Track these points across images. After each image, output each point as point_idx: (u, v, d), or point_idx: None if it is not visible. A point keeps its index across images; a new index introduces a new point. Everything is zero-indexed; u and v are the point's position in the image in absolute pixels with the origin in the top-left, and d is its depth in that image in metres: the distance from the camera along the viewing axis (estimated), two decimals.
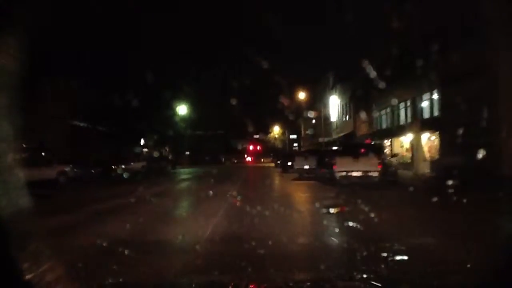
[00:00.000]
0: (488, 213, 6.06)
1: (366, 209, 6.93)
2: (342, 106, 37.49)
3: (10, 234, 1.39)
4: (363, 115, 30.05)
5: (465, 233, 5.09)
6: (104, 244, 4.85)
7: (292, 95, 45.36)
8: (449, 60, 16.76)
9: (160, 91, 36.88)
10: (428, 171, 18.87)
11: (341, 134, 35.76)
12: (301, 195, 11.47)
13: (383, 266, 3.59)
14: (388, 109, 25.63)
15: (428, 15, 18.23)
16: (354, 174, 12.21)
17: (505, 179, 10.03)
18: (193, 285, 2.24)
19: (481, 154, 11.29)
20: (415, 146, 21.02)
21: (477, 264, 3.29)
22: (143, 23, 36.10)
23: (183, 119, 47.75)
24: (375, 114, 28.07)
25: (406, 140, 23.13)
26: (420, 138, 21.26)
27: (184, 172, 31.78)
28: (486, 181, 9.49)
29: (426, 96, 20.35)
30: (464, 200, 6.42)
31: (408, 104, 22.51)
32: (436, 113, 19.18)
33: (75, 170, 18.73)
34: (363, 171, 12.06)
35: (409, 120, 22.42)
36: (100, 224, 7.12)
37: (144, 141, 44.94)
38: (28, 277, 1.36)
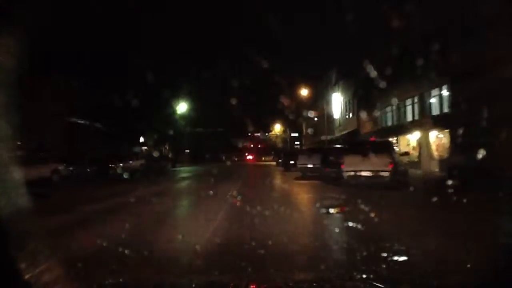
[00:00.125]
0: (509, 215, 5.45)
1: (383, 215, 6.21)
2: (345, 103, 36.73)
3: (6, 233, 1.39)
4: (367, 112, 29.32)
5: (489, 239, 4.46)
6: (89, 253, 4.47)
7: (293, 93, 44.83)
8: (460, 53, 16.04)
9: (159, 90, 36.66)
10: (437, 170, 18.11)
11: (344, 132, 35.02)
12: (305, 196, 10.71)
13: (383, 266, 3.54)
14: (394, 106, 24.87)
15: (438, 7, 17.49)
16: (364, 174, 11.41)
17: None
18: (193, 285, 2.24)
19: (494, 152, 10.64)
20: (423, 144, 20.28)
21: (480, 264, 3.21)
22: (143, 23, 35.75)
23: (183, 116, 47.17)
24: (380, 111, 27.30)
25: (413, 138, 22.38)
26: (428, 136, 20.52)
27: (184, 171, 31.07)
28: (501, 181, 8.94)
29: (435, 92, 19.59)
30: (482, 203, 6.25)
31: (416, 100, 21.74)
32: (445, 110, 18.42)
33: (69, 168, 18.04)
34: (373, 171, 11.27)
35: (416, 117, 21.66)
36: (88, 228, 6.45)
37: (144, 139, 44.36)
38: (27, 277, 1.37)
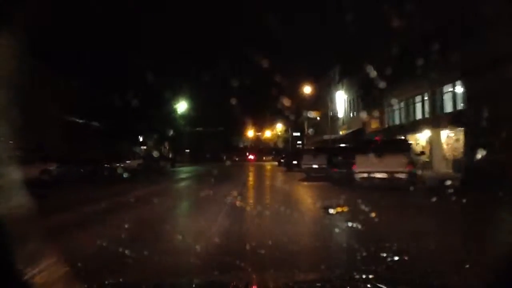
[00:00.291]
0: None
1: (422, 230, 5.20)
2: (349, 101, 35.70)
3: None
4: (372, 110, 28.29)
5: None
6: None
7: (295, 93, 43.91)
8: (474, 46, 15.03)
9: (159, 89, 35.96)
10: (450, 171, 17.11)
11: (349, 131, 33.98)
12: (311, 201, 9.59)
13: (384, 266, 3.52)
14: (402, 104, 23.80)
15: None
16: (378, 175, 10.36)
17: None
18: (193, 285, 2.21)
19: None
20: (434, 143, 19.26)
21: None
22: (143, 23, 35.11)
23: (183, 116, 46.30)
24: (387, 109, 26.24)
25: (422, 137, 21.33)
26: (440, 135, 19.50)
27: (183, 171, 30.10)
28: None
29: (447, 88, 18.54)
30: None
31: (426, 97, 20.68)
32: (459, 107, 17.38)
33: (61, 168, 17.07)
34: (389, 172, 10.23)
35: (426, 115, 20.61)
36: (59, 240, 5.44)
37: (143, 138, 43.48)
38: (26, 277, 1.38)
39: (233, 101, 41.89)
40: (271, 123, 72.10)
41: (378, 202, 7.55)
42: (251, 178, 21.70)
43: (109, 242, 4.76)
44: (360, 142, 13.37)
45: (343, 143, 26.64)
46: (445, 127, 18.84)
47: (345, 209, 6.64)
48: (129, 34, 32.27)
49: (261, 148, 76.81)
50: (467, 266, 3.45)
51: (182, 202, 10.32)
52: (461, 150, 17.81)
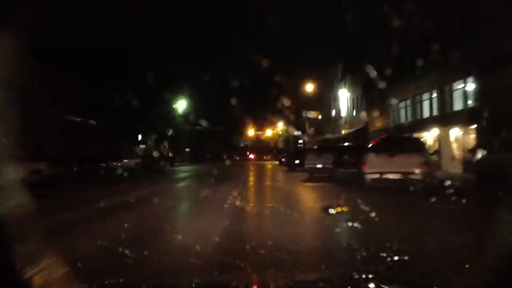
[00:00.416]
0: None
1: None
2: (353, 99, 34.88)
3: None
4: (377, 109, 27.49)
5: None
6: None
7: (295, 92, 43.19)
8: (487, 40, 14.23)
9: (158, 88, 35.48)
10: (459, 171, 16.31)
11: (352, 130, 33.17)
12: (318, 205, 8.71)
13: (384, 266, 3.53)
14: (409, 101, 22.98)
15: None
16: (391, 176, 9.55)
17: None
18: (193, 285, 2.21)
19: None
20: (443, 142, 18.46)
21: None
22: (143, 23, 34.79)
23: (183, 114, 45.60)
24: (392, 107, 25.42)
25: (430, 136, 20.51)
26: (448, 133, 18.71)
27: (182, 170, 29.33)
28: None
29: (457, 85, 17.73)
30: None
31: (434, 94, 19.86)
32: (470, 104, 16.57)
33: (53, 168, 16.28)
34: (402, 173, 9.41)
35: (434, 113, 19.80)
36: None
37: (142, 137, 42.78)
38: (26, 277, 1.40)
39: (234, 100, 41.38)
40: (271, 123, 71.31)
41: (394, 206, 6.77)
42: (252, 178, 20.92)
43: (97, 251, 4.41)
44: (376, 140, 12.44)
45: (346, 142, 25.88)
46: (454, 125, 18.04)
47: (373, 215, 5.80)
48: (129, 34, 32.12)
49: (261, 147, 76.07)
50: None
51: (178, 206, 9.49)
52: (472, 149, 17.05)
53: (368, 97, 29.53)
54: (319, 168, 16.32)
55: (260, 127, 76.38)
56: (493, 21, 12.85)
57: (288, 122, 59.41)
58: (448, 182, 9.76)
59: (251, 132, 77.67)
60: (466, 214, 6.20)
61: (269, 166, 36.47)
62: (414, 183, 8.94)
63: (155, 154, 36.96)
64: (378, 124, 28.06)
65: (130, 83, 29.40)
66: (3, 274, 1.38)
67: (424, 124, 20.44)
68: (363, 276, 2.20)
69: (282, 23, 60.44)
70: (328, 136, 36.27)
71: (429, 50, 17.05)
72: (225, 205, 8.32)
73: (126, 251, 4.21)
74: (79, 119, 28.15)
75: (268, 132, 76.90)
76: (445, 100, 18.52)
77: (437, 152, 13.78)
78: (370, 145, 11.56)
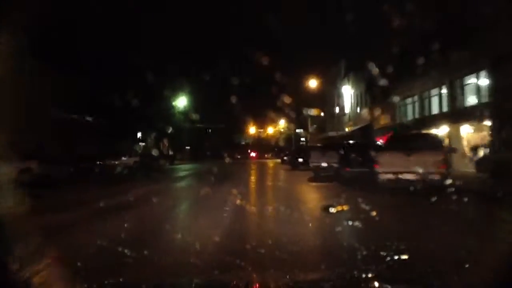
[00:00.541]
0: None
1: None
2: (356, 96, 34.03)
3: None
4: (382, 105, 26.70)
5: None
6: None
7: (297, 89, 42.41)
8: (503, 33, 13.40)
9: (158, 86, 34.74)
10: (471, 170, 15.51)
11: (355, 128, 32.35)
12: (334, 215, 7.66)
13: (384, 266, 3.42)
14: (416, 97, 22.14)
15: None
16: (407, 176, 8.72)
17: None
18: (193, 285, 2.26)
19: None
20: (453, 139, 17.63)
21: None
22: (143, 23, 34.40)
23: (183, 111, 44.90)
24: (399, 104, 24.57)
25: (439, 133, 19.66)
26: (459, 130, 17.90)
27: (182, 169, 28.60)
28: None
29: (469, 79, 16.89)
30: None
31: (444, 90, 19.02)
32: (483, 99, 15.74)
33: (45, 167, 15.54)
34: (419, 173, 8.57)
35: (444, 109, 18.96)
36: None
37: (141, 135, 42.10)
38: (26, 277, 1.40)
39: (235, 98, 40.81)
40: (273, 121, 70.46)
41: (419, 213, 5.99)
42: (253, 177, 20.15)
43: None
44: (378, 138, 11.60)
45: (350, 140, 25.08)
46: (465, 121, 17.22)
47: (397, 225, 5.02)
48: (129, 34, 31.68)
49: (263, 145, 75.32)
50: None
51: (175, 208, 8.73)
52: (473, 147, 16.32)
53: (372, 94, 28.71)
54: (324, 167, 15.53)
55: (261, 125, 75.61)
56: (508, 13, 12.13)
57: (289, 120, 58.64)
58: (462, 183, 8.97)
59: (252, 130, 76.85)
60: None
61: (271, 165, 35.65)
62: (431, 183, 8.10)
63: (155, 152, 36.35)
64: (383, 121, 27.25)
65: (129, 81, 29.00)
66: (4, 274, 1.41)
67: (433, 121, 19.60)
68: (363, 275, 2.16)
69: (283, 22, 59.46)
70: (331, 133, 35.44)
71: (438, 44, 16.28)
72: (226, 207, 7.68)
73: (124, 254, 3.90)
74: (75, 116, 27.45)
75: (270, 130, 76.09)
76: (455, 95, 17.69)
77: (454, 150, 12.93)
78: (381, 143, 10.76)
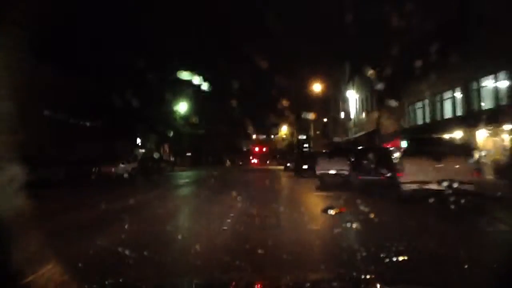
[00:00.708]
0: None
1: None
2: (362, 100, 33.07)
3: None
4: (389, 110, 25.67)
5: None
6: None
7: (300, 95, 41.62)
8: None
9: (158, 89, 34.03)
10: (490, 177, 14.46)
11: (361, 133, 31.34)
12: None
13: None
14: (426, 101, 21.13)
15: None
16: (434, 186, 7.60)
17: None
18: (193, 285, 2.25)
19: None
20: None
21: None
22: (143, 22, 34.02)
23: (183, 116, 44.06)
24: (408, 108, 23.59)
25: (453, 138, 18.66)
26: (475, 135, 16.87)
27: (182, 176, 27.54)
28: None
29: (486, 81, 15.90)
30: None
31: (457, 92, 18.04)
32: (504, 102, 14.75)
33: (30, 172, 14.52)
34: (450, 182, 7.47)
35: (458, 112, 17.96)
36: None
37: (141, 139, 41.25)
38: (28, 279, 1.46)
39: (237, 104, 40.19)
40: (275, 127, 69.47)
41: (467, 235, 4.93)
42: (257, 186, 19.08)
43: None
44: (412, 140, 10.51)
45: (357, 146, 24.06)
46: (482, 125, 16.19)
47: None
48: (129, 33, 31.31)
49: (265, 152, 74.38)
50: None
51: (166, 225, 7.66)
52: (503, 152, 15.29)
53: (379, 98, 27.72)
54: (332, 174, 14.49)
55: (263, 131, 74.65)
56: None
57: (292, 126, 57.66)
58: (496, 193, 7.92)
59: (254, 136, 75.89)
60: None
61: (274, 172, 34.60)
62: (462, 194, 7.02)
63: (156, 155, 35.61)
64: (391, 126, 26.22)
65: (129, 83, 28.17)
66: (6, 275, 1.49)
67: (445, 125, 18.57)
68: (363, 276, 2.19)
69: (284, 23, 58.74)
70: (336, 139, 34.48)
71: (452, 45, 15.37)
72: (227, 220, 6.79)
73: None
74: (74, 118, 26.58)
75: (272, 137, 75.15)
76: (471, 98, 16.69)
77: (482, 155, 11.88)
78: (397, 148, 9.72)
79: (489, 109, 15.57)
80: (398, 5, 17.41)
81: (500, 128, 14.80)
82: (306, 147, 51.11)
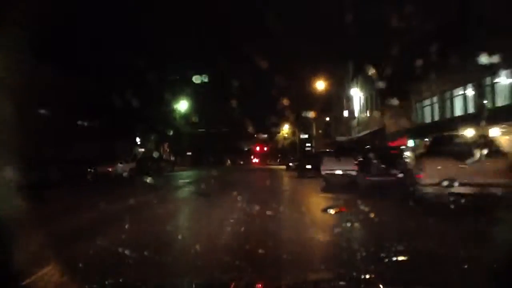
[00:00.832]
0: None
1: None
2: (366, 98, 32.29)
3: None
4: (395, 108, 24.90)
5: None
6: None
7: (302, 93, 40.96)
8: None
9: (157, 87, 33.57)
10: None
11: (365, 132, 30.56)
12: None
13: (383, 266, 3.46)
14: (435, 98, 20.35)
15: None
16: (461, 189, 6.70)
17: None
18: (193, 285, 2.25)
19: None
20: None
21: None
22: (143, 22, 33.71)
23: (184, 116, 43.42)
24: (415, 106, 22.80)
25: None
26: (488, 134, 16.09)
27: (181, 176, 26.83)
28: None
29: (500, 77, 15.12)
30: None
31: (469, 90, 17.25)
32: None
33: (14, 172, 13.83)
34: (480, 185, 6.52)
35: (469, 110, 17.18)
36: None
37: (140, 139, 40.63)
38: (29, 279, 1.46)
39: (237, 103, 39.61)
40: (276, 126, 68.71)
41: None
42: (258, 186, 18.33)
43: None
44: (434, 141, 9.64)
45: (361, 145, 23.29)
46: (496, 123, 15.44)
47: None
48: (129, 33, 31.03)
49: (266, 151, 73.66)
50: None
51: (163, 227, 6.97)
52: None
53: (384, 96, 26.95)
54: (339, 175, 13.71)
55: (264, 130, 73.89)
56: None
57: (294, 125, 56.93)
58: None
59: (254, 135, 75.12)
60: None
61: (276, 171, 33.84)
62: (494, 198, 6.18)
63: (155, 154, 35.08)
64: (396, 124, 25.43)
65: (129, 82, 27.75)
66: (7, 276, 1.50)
67: (456, 123, 17.77)
68: (363, 276, 2.18)
69: (284, 23, 57.96)
70: (340, 138, 33.67)
71: (468, 36, 14.63)
72: (226, 227, 6.22)
73: None
74: (70, 119, 25.94)
75: (273, 136, 74.36)
76: (484, 95, 15.91)
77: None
78: (425, 147, 8.93)
79: (503, 106, 14.82)
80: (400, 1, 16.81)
81: None
82: (308, 147, 50.38)
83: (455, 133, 11.97)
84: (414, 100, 23.01)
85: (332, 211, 6.31)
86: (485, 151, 6.91)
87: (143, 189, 15.12)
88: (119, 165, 26.05)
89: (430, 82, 19.41)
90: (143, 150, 39.72)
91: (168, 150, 47.45)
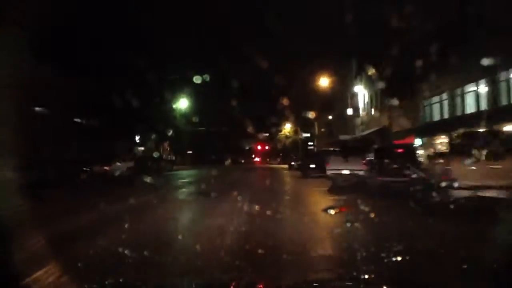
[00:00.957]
0: None
1: None
2: (370, 96, 31.54)
3: None
4: (401, 106, 24.17)
5: None
6: None
7: (304, 92, 40.35)
8: None
9: (157, 86, 33.21)
10: None
11: (369, 131, 29.81)
12: None
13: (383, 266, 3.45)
14: (445, 95, 19.58)
15: None
16: (492, 193, 5.93)
17: None
18: (193, 285, 2.27)
19: None
20: None
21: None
22: (143, 22, 33.49)
23: (184, 114, 42.82)
24: (423, 103, 22.04)
25: None
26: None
27: (181, 176, 26.19)
28: None
29: None
30: None
31: (482, 86, 16.49)
32: None
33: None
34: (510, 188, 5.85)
35: (482, 107, 16.44)
36: None
37: (140, 138, 40.13)
38: (29, 279, 1.45)
39: (238, 102, 39.18)
40: (276, 125, 67.96)
41: None
42: (260, 187, 17.59)
43: None
44: (464, 136, 8.89)
45: (366, 144, 22.55)
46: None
47: None
48: (129, 33, 30.85)
49: (267, 150, 73.02)
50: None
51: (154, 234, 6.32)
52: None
53: (390, 93, 26.20)
54: (346, 175, 12.97)
55: (264, 129, 73.15)
56: None
57: (296, 124, 56.22)
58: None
59: (256, 134, 74.40)
60: None
61: (278, 171, 33.12)
62: None
63: (155, 154, 34.71)
64: (403, 122, 24.68)
65: (129, 81, 27.55)
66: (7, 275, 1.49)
67: (467, 122, 17.03)
68: (363, 276, 2.19)
69: (284, 23, 57.17)
70: (343, 137, 32.89)
71: (479, 30, 13.91)
72: (226, 234, 5.75)
73: None
74: (69, 118, 25.41)
75: (274, 135, 73.67)
76: (498, 91, 15.15)
77: None
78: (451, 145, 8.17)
79: None
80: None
81: None
82: (310, 145, 49.68)
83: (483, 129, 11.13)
84: (421, 98, 22.25)
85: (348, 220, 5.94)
86: None
87: (142, 189, 14.90)
88: (117, 164, 25.54)
89: (438, 80, 18.68)
90: (143, 149, 39.30)
91: (168, 149, 46.96)
